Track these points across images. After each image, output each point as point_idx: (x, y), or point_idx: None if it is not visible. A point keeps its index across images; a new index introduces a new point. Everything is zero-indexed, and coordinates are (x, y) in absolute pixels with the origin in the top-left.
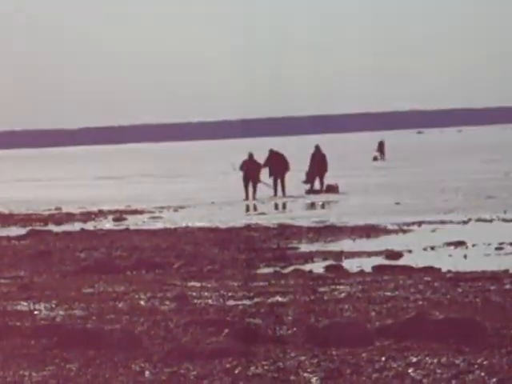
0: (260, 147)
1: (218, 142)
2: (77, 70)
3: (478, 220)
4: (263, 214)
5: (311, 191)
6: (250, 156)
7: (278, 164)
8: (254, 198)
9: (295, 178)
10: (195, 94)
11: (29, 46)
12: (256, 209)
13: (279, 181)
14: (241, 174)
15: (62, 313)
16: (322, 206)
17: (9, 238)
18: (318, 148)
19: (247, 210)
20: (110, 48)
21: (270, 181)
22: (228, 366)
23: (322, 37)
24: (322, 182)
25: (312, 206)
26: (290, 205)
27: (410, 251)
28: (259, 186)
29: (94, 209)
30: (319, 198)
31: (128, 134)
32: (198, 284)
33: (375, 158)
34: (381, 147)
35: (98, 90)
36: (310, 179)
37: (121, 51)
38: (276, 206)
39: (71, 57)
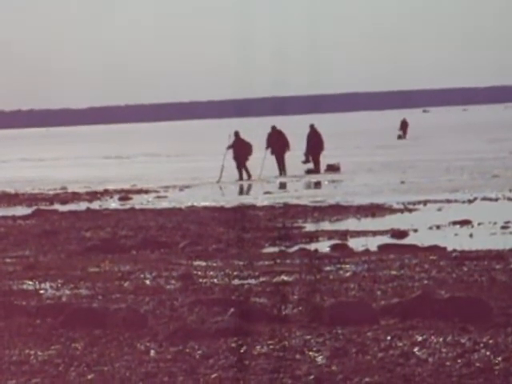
0: (264, 126)
1: (223, 121)
2: (83, 50)
3: (484, 199)
4: (268, 193)
5: (312, 171)
6: (236, 134)
7: (278, 142)
8: (246, 178)
9: (299, 157)
10: (200, 72)
11: (34, 25)
12: (244, 192)
13: (281, 159)
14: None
15: (67, 292)
16: (327, 186)
17: (14, 218)
18: (313, 127)
19: (240, 192)
20: (114, 26)
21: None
22: (233, 345)
23: (322, 16)
24: (318, 162)
25: (317, 185)
26: (295, 184)
27: (415, 230)
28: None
29: (100, 188)
30: (324, 178)
31: (134, 114)
32: (203, 263)
33: (399, 137)
34: (403, 126)
35: (104, 70)
36: (308, 159)
37: (124, 31)
38: (277, 185)
39: (77, 36)
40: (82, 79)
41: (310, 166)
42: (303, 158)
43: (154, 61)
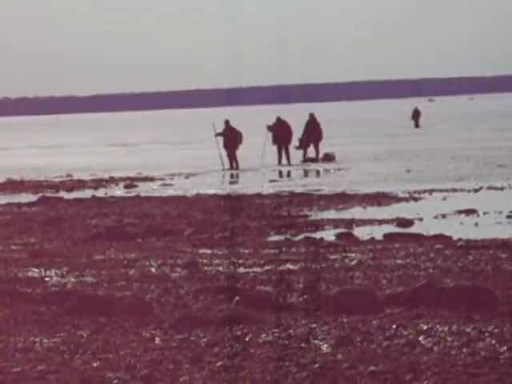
0: (268, 114)
1: (229, 109)
2: (87, 37)
3: (489, 188)
4: (274, 181)
5: (307, 159)
6: (227, 123)
7: (282, 132)
8: (237, 167)
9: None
10: (206, 60)
11: (40, 13)
12: (236, 181)
13: (283, 149)
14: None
15: (72, 279)
16: (332, 174)
17: (20, 205)
18: (312, 116)
19: (231, 181)
20: (117, 13)
21: (272, 148)
22: (238, 333)
23: (327, 2)
24: (317, 151)
25: (322, 173)
26: (300, 173)
27: (420, 219)
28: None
29: (105, 176)
30: (330, 166)
31: (139, 101)
32: (208, 251)
33: (416, 126)
34: (415, 115)
35: (109, 57)
36: (302, 146)
37: (128, 17)
38: (281, 174)
39: (82, 24)
40: (87, 67)
41: (309, 154)
42: (297, 144)
43: (159, 48)
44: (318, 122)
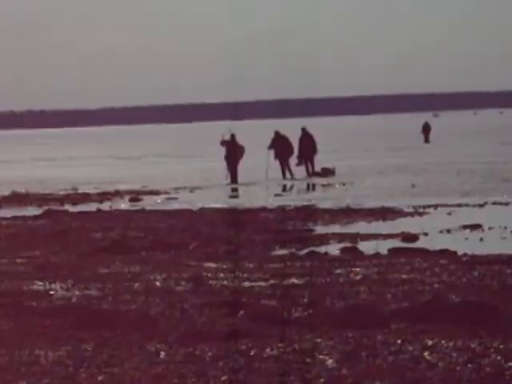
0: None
1: (234, 123)
2: (94, 51)
3: (495, 203)
4: (278, 195)
5: (312, 173)
6: (233, 137)
7: (282, 147)
8: (235, 181)
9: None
10: (211, 74)
11: (47, 27)
12: (236, 195)
13: (285, 164)
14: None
15: (77, 293)
16: (337, 188)
17: (25, 218)
18: (304, 130)
19: (231, 195)
20: (124, 28)
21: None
22: (243, 347)
23: (330, 16)
24: (312, 165)
25: (326, 187)
26: (304, 187)
27: (425, 234)
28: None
29: (110, 189)
30: (334, 180)
31: (144, 115)
32: (213, 265)
33: (426, 141)
34: (425, 129)
35: (115, 72)
36: (300, 161)
37: (135, 32)
38: (285, 188)
39: (90, 38)
40: (92, 80)
41: (309, 168)
42: (297, 161)
43: (164, 62)
44: (311, 135)
